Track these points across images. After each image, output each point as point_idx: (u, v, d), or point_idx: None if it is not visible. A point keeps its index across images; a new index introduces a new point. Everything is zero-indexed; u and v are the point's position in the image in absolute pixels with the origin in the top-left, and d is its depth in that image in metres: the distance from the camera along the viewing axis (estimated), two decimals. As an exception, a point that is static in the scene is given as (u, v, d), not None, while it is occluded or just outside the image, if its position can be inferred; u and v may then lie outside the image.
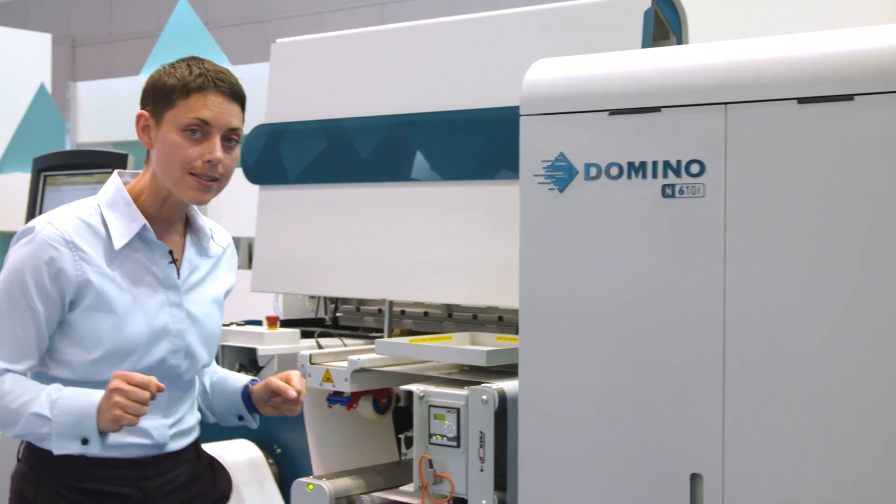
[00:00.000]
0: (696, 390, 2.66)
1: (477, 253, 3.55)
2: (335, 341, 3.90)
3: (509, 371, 3.24)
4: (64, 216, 2.42)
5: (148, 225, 2.45)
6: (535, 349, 2.90)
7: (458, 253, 3.60)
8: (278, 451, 4.28)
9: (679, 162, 2.67)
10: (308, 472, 3.77)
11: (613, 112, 2.78)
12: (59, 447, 2.32)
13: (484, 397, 3.08)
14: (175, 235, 2.54)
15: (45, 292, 2.36)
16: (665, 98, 2.70)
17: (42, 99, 8.19)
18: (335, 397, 3.59)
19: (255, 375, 3.72)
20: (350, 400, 3.58)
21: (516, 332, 3.49)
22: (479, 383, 3.13)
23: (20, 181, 7.06)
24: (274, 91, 4.18)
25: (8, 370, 2.36)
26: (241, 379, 2.73)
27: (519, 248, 2.93)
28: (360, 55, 3.95)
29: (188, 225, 2.58)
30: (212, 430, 4.39)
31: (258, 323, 3.94)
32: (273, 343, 3.74)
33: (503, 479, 3.09)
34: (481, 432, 3.09)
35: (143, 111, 2.46)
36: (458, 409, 3.13)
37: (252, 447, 4.25)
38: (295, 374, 2.59)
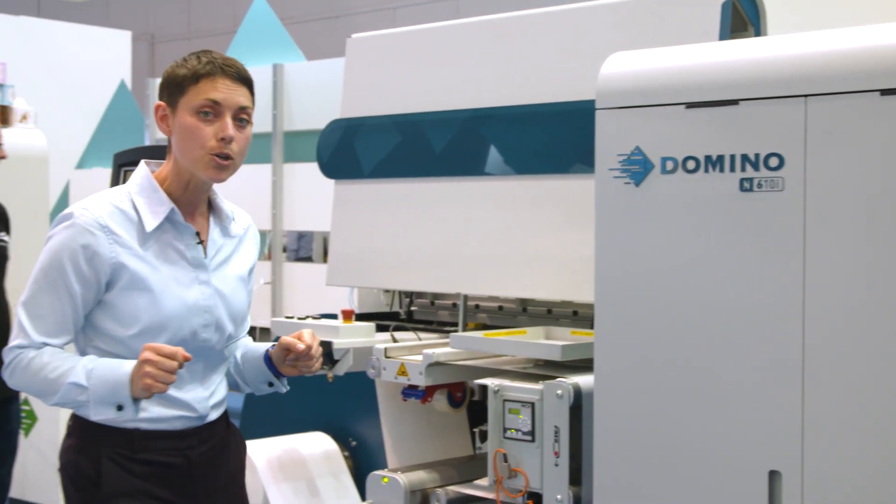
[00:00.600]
0: (774, 386, 2.62)
1: (552, 247, 3.54)
2: (410, 335, 3.91)
3: (584, 366, 3.23)
4: (99, 203, 2.61)
5: (176, 209, 2.64)
6: (611, 344, 2.89)
7: (533, 247, 3.59)
8: (353, 444, 4.31)
9: (757, 155, 2.64)
10: (383, 465, 3.79)
11: (690, 105, 2.75)
12: (97, 413, 2.52)
13: (559, 392, 3.07)
14: (200, 218, 2.72)
15: (81, 273, 2.55)
16: (743, 90, 2.67)
17: (122, 95, 8.32)
18: (410, 391, 3.60)
19: (330, 369, 3.76)
20: (425, 394, 3.59)
21: (591, 327, 3.47)
22: (554, 378, 3.12)
23: (101, 176, 7.19)
24: (349, 86, 4.20)
25: (46, 343, 2.57)
26: (264, 346, 2.87)
27: (594, 242, 2.92)
28: (434, 50, 3.96)
29: (211, 208, 2.76)
30: (288, 423, 4.44)
31: (333, 317, 3.97)
32: (348, 336, 3.76)
33: (578, 473, 3.08)
34: (556, 427, 3.08)
35: (160, 102, 2.66)
36: (532, 404, 3.13)
37: (328, 440, 4.29)
38: (306, 332, 2.75)
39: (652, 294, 2.81)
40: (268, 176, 7.04)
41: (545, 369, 3.31)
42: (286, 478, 4.05)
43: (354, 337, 3.77)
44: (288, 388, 2.90)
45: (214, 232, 2.74)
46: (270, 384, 2.88)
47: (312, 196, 6.74)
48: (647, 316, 2.82)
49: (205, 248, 2.70)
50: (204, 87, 2.58)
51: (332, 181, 4.21)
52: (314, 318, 3.92)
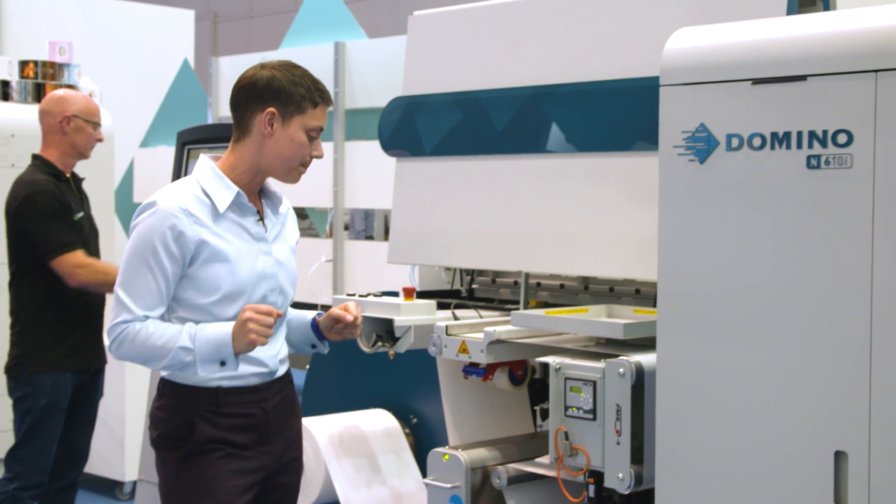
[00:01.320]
0: (841, 367, 2.59)
1: (614, 225, 3.52)
2: (471, 313, 3.91)
3: (646, 344, 3.21)
4: (176, 191, 3.00)
5: (241, 192, 3.03)
6: (674, 322, 2.86)
7: (595, 225, 3.57)
8: (414, 420, 4.32)
9: (825, 132, 2.60)
10: (443, 443, 3.80)
11: (757, 81, 2.71)
12: (203, 370, 2.93)
13: (621, 370, 3.06)
14: (255, 201, 3.12)
15: (170, 252, 2.93)
16: (811, 66, 2.63)
17: (185, 74, 8.37)
18: (471, 368, 3.61)
19: (392, 346, 3.78)
20: (486, 371, 3.59)
21: (654, 305, 3.45)
22: (616, 356, 3.10)
23: (165, 154, 7.26)
24: (410, 64, 4.19)
25: (148, 316, 2.94)
26: (309, 314, 3.30)
27: (658, 220, 2.89)
28: (495, 27, 3.94)
29: (261, 191, 3.16)
30: (349, 400, 4.46)
31: (395, 294, 3.98)
32: (409, 314, 3.77)
33: (640, 452, 3.06)
34: (618, 405, 3.06)
35: (272, 108, 3.01)
36: (594, 382, 3.11)
37: (389, 417, 4.30)
38: (351, 304, 3.21)
39: (716, 272, 2.78)
40: (329, 154, 7.06)
41: (607, 347, 3.30)
42: (347, 454, 4.07)
43: (416, 315, 3.78)
44: (328, 349, 3.31)
45: (268, 211, 3.15)
46: (313, 346, 3.29)
47: (373, 174, 6.75)
48: (711, 294, 2.79)
49: (264, 225, 3.10)
50: (318, 114, 3.05)
51: (393, 159, 4.21)
52: (375, 295, 3.93)
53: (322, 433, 4.08)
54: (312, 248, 7.25)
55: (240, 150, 3.07)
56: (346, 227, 7.56)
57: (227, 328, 2.92)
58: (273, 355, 3.10)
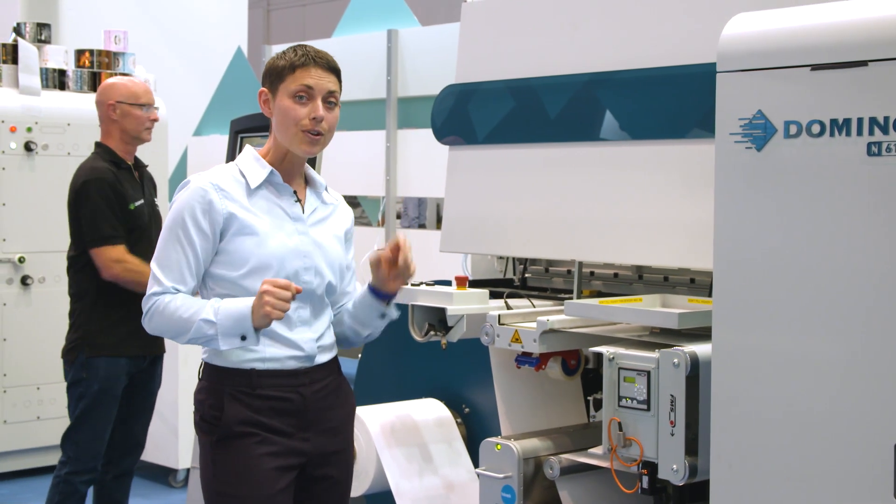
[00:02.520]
0: (901, 358, 2.54)
1: (668, 213, 3.48)
2: (524, 302, 3.88)
3: (701, 334, 3.17)
4: (211, 171, 3.11)
5: (275, 171, 3.10)
6: (730, 312, 2.82)
7: (649, 213, 3.53)
8: (466, 410, 4.32)
9: (886, 118, 2.55)
10: (496, 433, 3.78)
11: (816, 67, 2.66)
12: (224, 343, 2.95)
13: (675, 360, 3.02)
14: (297, 186, 3.17)
15: (199, 225, 3.01)
16: (873, 51, 2.57)
17: (239, 62, 8.41)
18: (524, 358, 3.59)
19: (444, 335, 3.77)
20: (538, 361, 3.57)
21: (709, 295, 3.42)
22: (670, 346, 3.07)
23: (218, 142, 7.29)
24: (463, 51, 4.17)
25: (177, 289, 3.02)
26: (364, 286, 3.30)
27: (714, 208, 2.85)
28: (549, 13, 3.91)
29: (307, 182, 3.22)
30: (402, 390, 4.46)
31: (447, 283, 3.97)
32: (462, 303, 3.75)
33: (694, 443, 3.03)
34: (672, 396, 3.03)
35: (263, 88, 3.13)
36: (648, 372, 3.09)
37: (441, 406, 4.30)
38: (399, 238, 3.16)
39: (773, 261, 2.74)
40: (382, 142, 7.07)
41: (661, 337, 3.27)
42: (399, 443, 4.07)
43: (468, 303, 3.77)
44: (399, 313, 3.30)
45: (311, 197, 3.19)
46: (382, 315, 3.26)
47: (426, 162, 6.75)
48: (768, 284, 2.75)
49: (302, 207, 3.14)
50: (300, 76, 3.05)
51: (445, 147, 4.20)
52: (427, 284, 3.93)
53: (374, 422, 4.09)
54: (365, 236, 7.26)
55: (271, 135, 3.17)
56: (399, 216, 7.55)
57: (248, 302, 2.94)
58: (310, 339, 3.10)
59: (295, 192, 3.14)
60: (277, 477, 3.02)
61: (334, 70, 3.12)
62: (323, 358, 3.13)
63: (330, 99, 3.09)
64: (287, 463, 3.04)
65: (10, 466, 6.49)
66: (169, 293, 3.00)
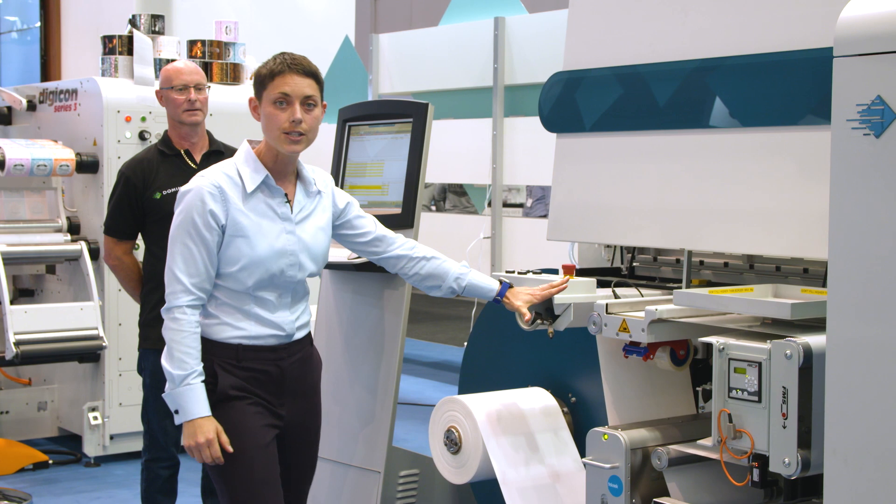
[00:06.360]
0: None
1: (781, 202, 3.41)
2: (632, 291, 3.85)
3: (814, 325, 3.11)
4: (214, 172, 3.40)
5: (270, 175, 3.41)
6: (846, 303, 2.76)
7: (761, 202, 3.47)
8: (573, 399, 4.29)
9: None
10: (602, 422, 3.76)
11: (938, 50, 2.58)
12: (166, 397, 3.33)
13: (788, 352, 2.96)
14: (288, 184, 3.48)
15: (207, 222, 3.31)
16: None
17: (346, 51, 8.47)
18: (632, 348, 3.55)
19: (551, 324, 3.75)
20: (647, 351, 3.53)
21: (823, 285, 3.34)
22: (782, 337, 3.01)
23: (327, 131, 7.35)
24: (571, 38, 4.14)
25: (195, 286, 3.32)
26: (490, 287, 3.77)
27: (829, 196, 2.79)
28: (659, 0, 3.86)
29: (297, 176, 3.52)
30: (508, 378, 4.45)
31: (554, 272, 3.95)
32: (569, 292, 3.73)
33: (807, 436, 2.97)
34: (784, 388, 2.98)
35: (251, 97, 3.45)
36: (759, 364, 3.03)
37: (547, 395, 4.28)
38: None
39: (891, 252, 2.67)
40: (488, 130, 7.06)
41: (772, 328, 3.21)
42: (505, 432, 4.07)
43: (575, 292, 3.75)
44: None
45: (300, 194, 3.49)
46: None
47: (533, 150, 6.72)
48: (886, 275, 2.68)
49: (291, 207, 3.44)
50: (278, 83, 3.36)
51: (553, 135, 4.17)
52: (534, 272, 3.91)
53: (480, 410, 4.09)
54: (471, 224, 7.27)
55: (265, 137, 3.47)
56: (505, 204, 7.52)
57: (197, 412, 3.29)
58: (291, 320, 3.47)
59: (286, 194, 3.43)
60: (266, 432, 3.42)
61: (311, 74, 3.41)
62: (300, 334, 3.52)
63: (308, 102, 3.38)
64: (271, 422, 3.44)
65: (124, 447, 6.67)
66: (190, 309, 3.32)
